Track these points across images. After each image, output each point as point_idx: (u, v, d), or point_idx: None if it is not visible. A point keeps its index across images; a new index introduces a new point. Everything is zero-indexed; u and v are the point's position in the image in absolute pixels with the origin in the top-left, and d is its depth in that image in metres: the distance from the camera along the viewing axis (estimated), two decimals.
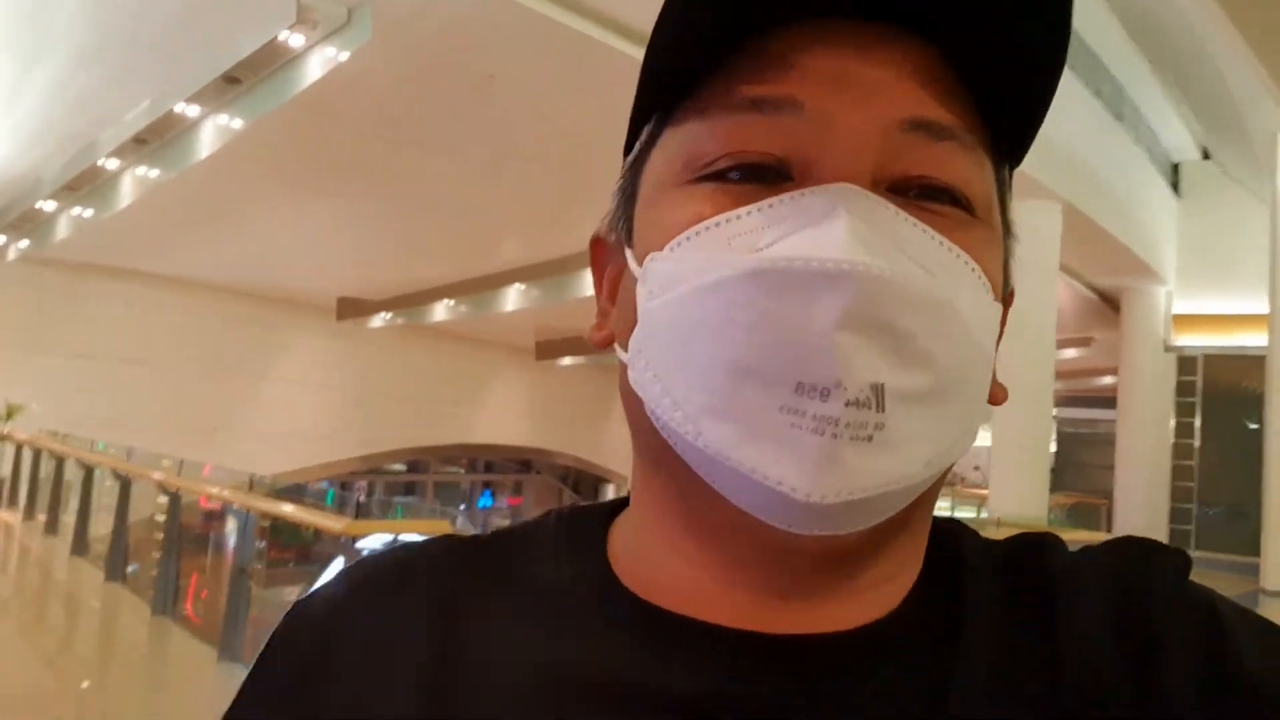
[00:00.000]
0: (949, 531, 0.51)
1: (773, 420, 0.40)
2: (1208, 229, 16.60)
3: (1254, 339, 15.04)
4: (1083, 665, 0.43)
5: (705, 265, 0.42)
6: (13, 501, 11.14)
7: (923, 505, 0.45)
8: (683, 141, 0.45)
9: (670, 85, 0.46)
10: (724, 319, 0.41)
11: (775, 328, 0.40)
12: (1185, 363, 16.80)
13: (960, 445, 0.43)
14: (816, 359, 0.39)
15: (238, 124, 8.64)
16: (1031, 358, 11.57)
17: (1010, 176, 0.49)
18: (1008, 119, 0.45)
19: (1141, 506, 16.12)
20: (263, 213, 11.65)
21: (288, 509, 5.94)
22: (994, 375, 0.48)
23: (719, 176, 0.44)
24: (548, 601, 0.48)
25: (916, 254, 0.41)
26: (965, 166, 0.44)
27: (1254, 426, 15.51)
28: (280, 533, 6.33)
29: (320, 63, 7.34)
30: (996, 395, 0.48)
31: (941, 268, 0.42)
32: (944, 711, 0.42)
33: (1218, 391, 16.61)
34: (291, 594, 5.96)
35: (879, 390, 0.39)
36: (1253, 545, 13.41)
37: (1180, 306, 16.65)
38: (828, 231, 0.40)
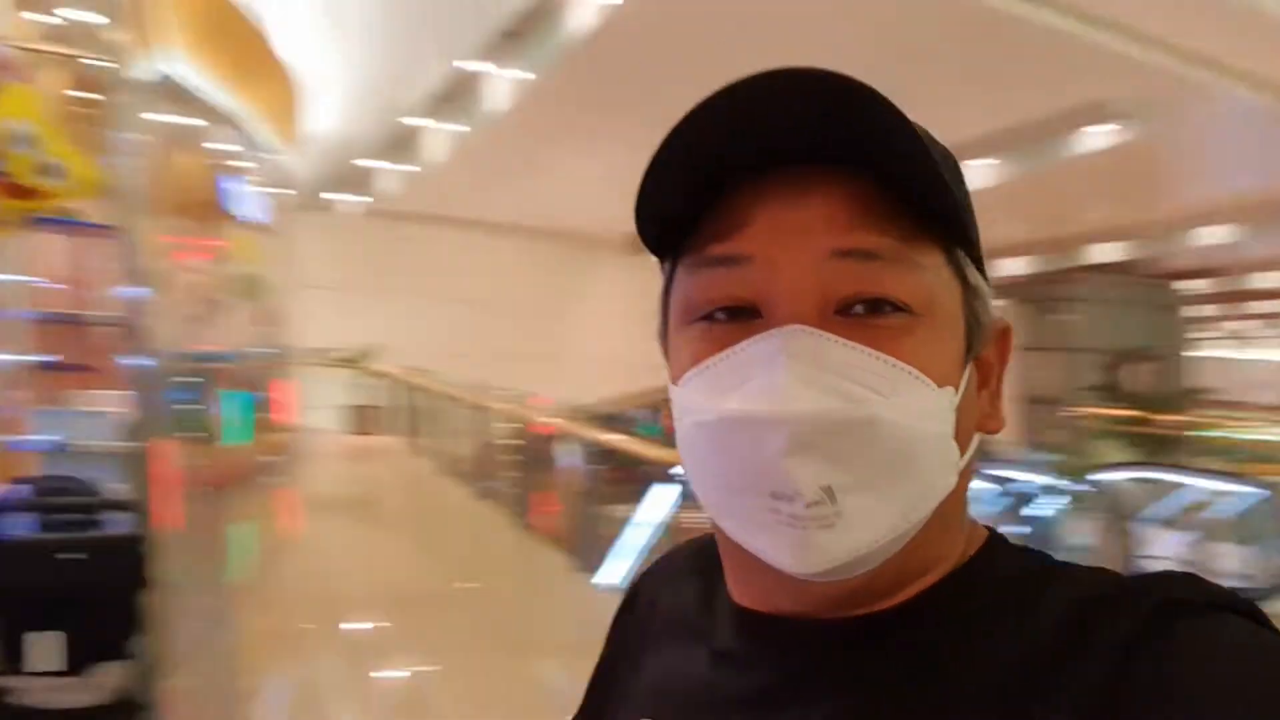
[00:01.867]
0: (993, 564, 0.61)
1: (763, 518, 0.55)
2: None
3: None
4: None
5: (700, 404, 0.57)
6: (386, 427, 13.64)
7: (917, 543, 0.57)
8: (681, 289, 0.60)
9: (665, 247, 0.61)
10: (713, 449, 0.56)
11: (746, 457, 0.54)
12: None
13: (922, 502, 0.55)
14: (777, 478, 0.53)
15: (525, 76, 9.12)
16: None
17: (967, 251, 0.59)
18: (928, 215, 0.56)
19: None
20: (559, 158, 12.49)
21: (616, 439, 6.69)
22: (991, 406, 0.62)
23: (709, 318, 0.58)
24: (702, 593, 0.70)
25: (850, 373, 0.53)
26: (894, 276, 0.55)
27: None
28: (607, 458, 6.86)
29: (595, 9, 7.56)
30: (988, 426, 0.62)
31: (874, 377, 0.54)
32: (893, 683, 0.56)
33: None
34: (619, 511, 6.35)
35: (829, 490, 0.53)
36: None
37: None
38: (770, 382, 0.53)
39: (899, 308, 0.55)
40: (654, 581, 0.79)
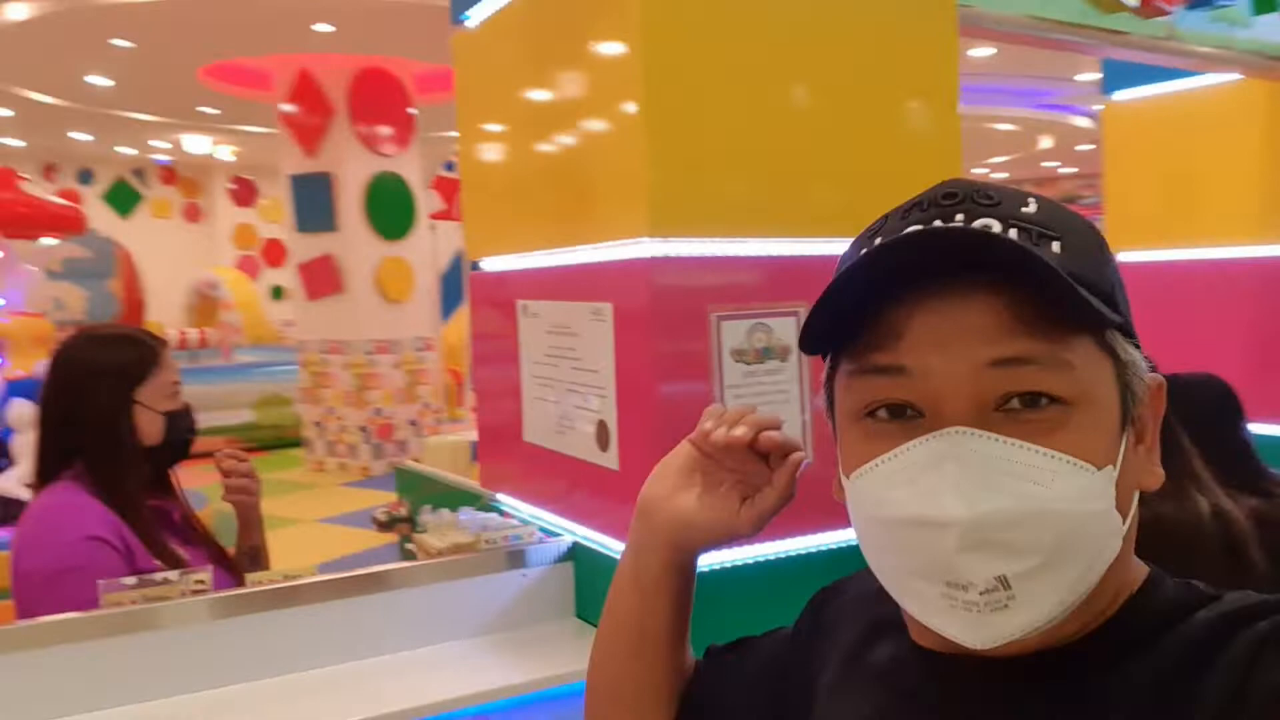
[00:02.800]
0: (1162, 602, 0.63)
1: (939, 601, 0.60)
2: None
3: None
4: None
5: (873, 500, 0.62)
6: None
7: (1086, 597, 0.60)
8: (846, 388, 0.65)
9: (831, 348, 0.67)
10: (891, 543, 0.62)
11: (923, 551, 0.59)
12: None
13: (1090, 573, 0.59)
14: (952, 570, 0.58)
15: None
16: None
17: (1115, 329, 0.61)
18: (1072, 314, 0.58)
19: None
20: None
21: None
22: (1148, 460, 0.64)
23: (873, 415, 0.63)
24: (887, 635, 0.73)
25: (1012, 468, 0.57)
26: (1048, 376, 0.58)
27: None
28: None
29: None
30: (1146, 483, 0.64)
31: (1035, 470, 0.57)
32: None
33: None
34: None
35: (1003, 578, 0.57)
36: None
37: None
38: (938, 485, 0.58)
39: (1054, 400, 0.59)
40: (842, 603, 0.82)
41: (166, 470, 1.93)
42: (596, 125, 1.88)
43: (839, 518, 0.66)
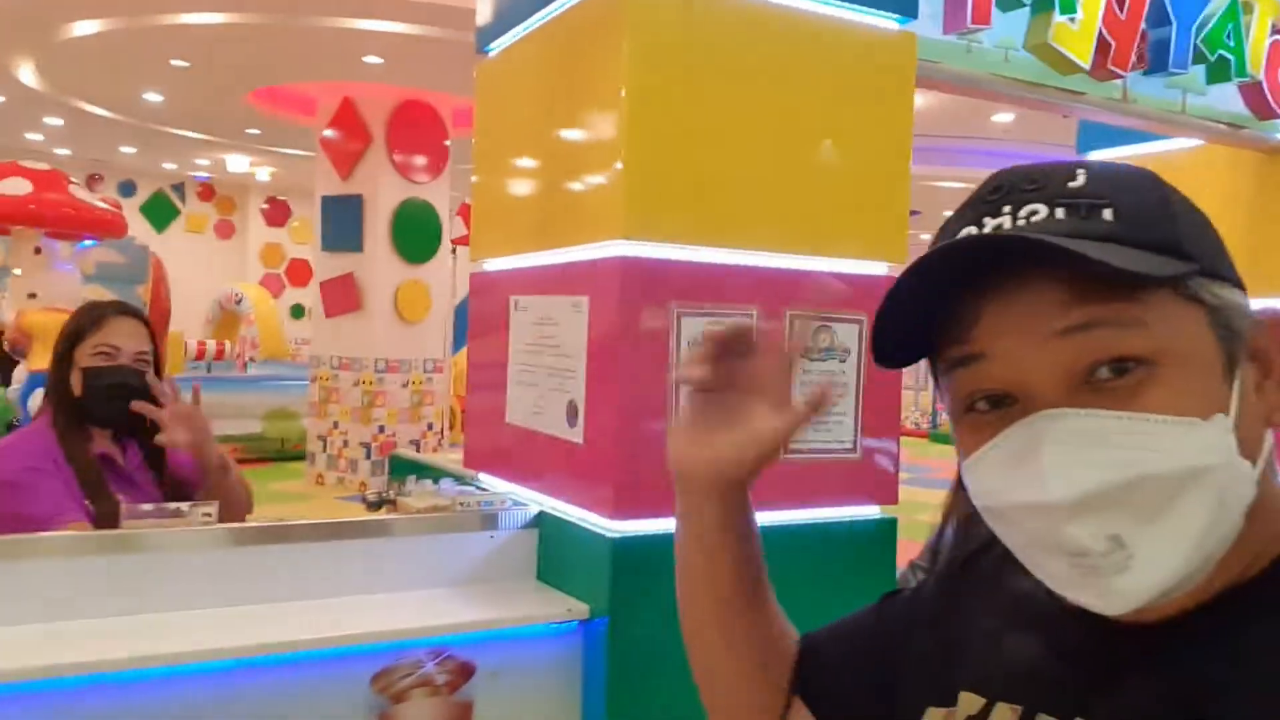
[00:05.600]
0: None
1: (1069, 572, 0.60)
2: None
3: None
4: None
5: (985, 490, 0.63)
6: None
7: (1223, 560, 0.59)
8: (946, 388, 0.66)
9: (914, 359, 0.68)
10: (1010, 527, 0.63)
11: (1039, 533, 0.60)
12: None
13: (1217, 527, 0.57)
14: (1068, 542, 0.58)
15: None
16: None
17: (1197, 275, 0.59)
18: (1126, 279, 0.57)
19: None
20: None
21: None
22: (1277, 395, 0.62)
23: (972, 409, 0.63)
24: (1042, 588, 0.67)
25: (1109, 438, 0.57)
26: (1123, 337, 0.58)
27: None
28: None
29: None
30: (1277, 419, 0.62)
31: (1134, 436, 0.56)
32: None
33: None
34: None
35: (1115, 537, 0.57)
36: None
37: None
38: (1041, 471, 0.58)
39: (1140, 361, 0.58)
40: (1000, 559, 0.76)
41: (114, 425, 2.10)
42: (586, 147, 2.14)
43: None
